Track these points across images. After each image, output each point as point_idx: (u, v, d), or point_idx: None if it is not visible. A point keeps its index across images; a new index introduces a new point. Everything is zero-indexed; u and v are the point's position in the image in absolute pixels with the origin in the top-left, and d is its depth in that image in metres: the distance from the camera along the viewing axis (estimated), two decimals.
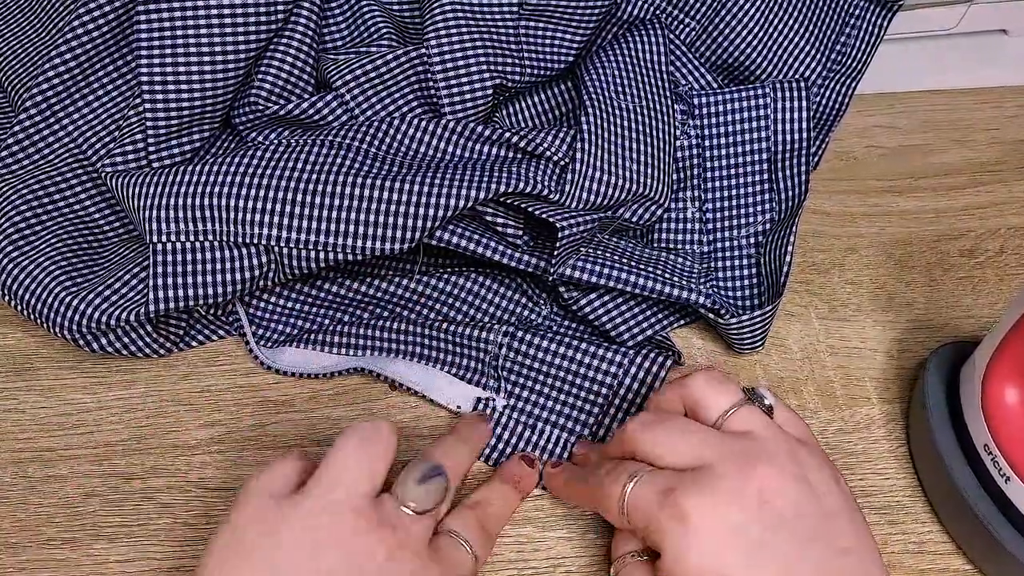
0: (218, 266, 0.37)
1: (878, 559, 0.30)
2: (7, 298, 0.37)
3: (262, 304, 0.42)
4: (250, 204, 0.36)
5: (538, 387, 0.39)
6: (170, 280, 0.36)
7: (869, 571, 0.29)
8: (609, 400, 0.39)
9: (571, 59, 0.43)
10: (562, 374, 0.39)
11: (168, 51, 0.38)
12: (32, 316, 0.37)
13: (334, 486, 0.31)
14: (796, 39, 0.45)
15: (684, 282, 0.39)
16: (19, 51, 0.43)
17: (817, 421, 0.40)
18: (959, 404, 0.37)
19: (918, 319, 0.43)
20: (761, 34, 0.45)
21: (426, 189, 0.36)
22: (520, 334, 0.39)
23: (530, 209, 0.37)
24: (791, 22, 0.45)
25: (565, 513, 0.37)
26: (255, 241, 0.36)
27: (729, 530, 0.28)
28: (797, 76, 0.46)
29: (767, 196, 0.43)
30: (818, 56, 0.46)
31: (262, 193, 0.36)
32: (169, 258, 0.36)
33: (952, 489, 0.35)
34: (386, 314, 0.42)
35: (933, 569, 0.36)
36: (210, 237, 0.36)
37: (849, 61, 0.47)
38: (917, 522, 0.37)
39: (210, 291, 0.37)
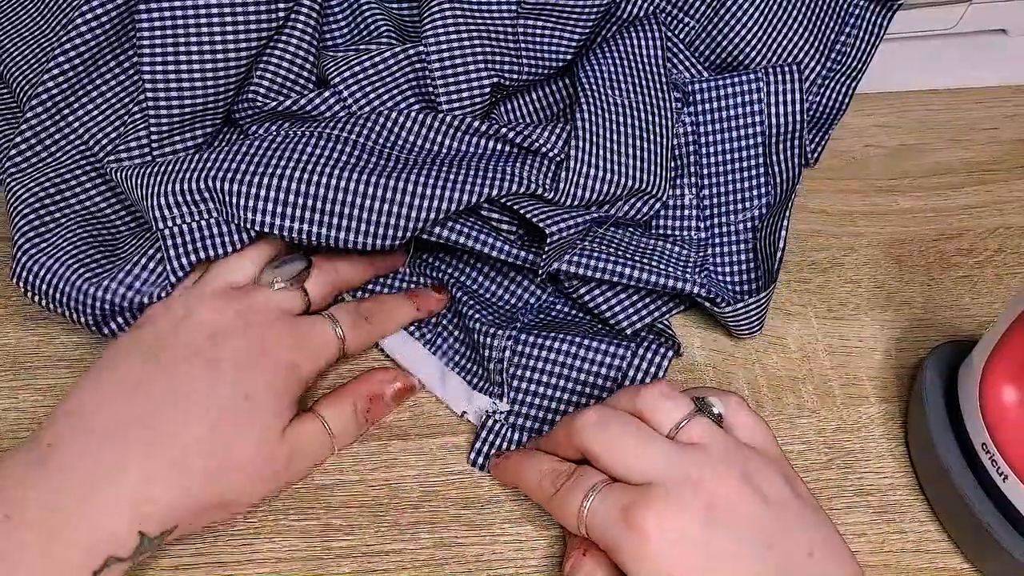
0: (226, 239, 0.37)
1: (847, 558, 0.30)
2: (27, 292, 0.37)
3: None
4: (243, 189, 0.36)
5: (542, 388, 0.39)
6: (184, 260, 0.37)
7: (834, 572, 0.30)
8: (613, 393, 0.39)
9: (569, 57, 0.43)
10: (566, 371, 0.39)
11: (170, 49, 0.38)
12: (52, 306, 0.37)
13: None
14: (796, 38, 0.45)
15: (678, 272, 0.39)
16: (24, 49, 0.43)
17: (815, 420, 0.40)
18: (957, 403, 0.37)
19: (916, 318, 0.43)
20: (761, 33, 0.45)
21: (419, 190, 0.37)
22: (523, 336, 0.39)
23: (521, 211, 0.38)
24: (791, 22, 0.45)
25: None
26: (246, 225, 0.37)
27: (685, 544, 0.29)
28: None
29: (763, 180, 0.43)
30: (818, 56, 0.46)
31: (256, 180, 0.36)
32: (178, 240, 0.37)
33: (950, 488, 0.35)
34: None
35: (931, 568, 0.36)
36: (214, 214, 0.37)
37: (849, 60, 0.47)
38: (915, 521, 0.37)
39: (223, 252, 0.38)
